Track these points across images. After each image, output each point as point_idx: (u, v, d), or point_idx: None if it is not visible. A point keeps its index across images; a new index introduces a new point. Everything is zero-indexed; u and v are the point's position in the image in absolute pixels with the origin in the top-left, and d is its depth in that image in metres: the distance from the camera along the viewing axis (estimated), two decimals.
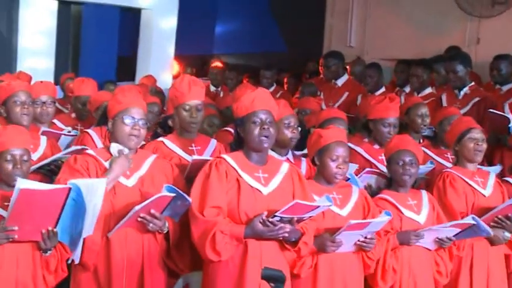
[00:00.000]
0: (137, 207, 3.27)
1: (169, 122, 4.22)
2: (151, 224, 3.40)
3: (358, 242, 3.73)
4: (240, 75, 9.11)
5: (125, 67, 9.67)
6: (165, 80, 9.19)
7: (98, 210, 3.27)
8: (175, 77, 9.12)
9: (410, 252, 4.07)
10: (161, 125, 4.73)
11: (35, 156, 4.11)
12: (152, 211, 3.36)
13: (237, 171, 3.50)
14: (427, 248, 4.11)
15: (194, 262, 3.72)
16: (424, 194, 4.24)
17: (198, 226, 3.41)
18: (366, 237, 3.71)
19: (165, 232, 3.55)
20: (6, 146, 3.37)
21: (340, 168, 3.80)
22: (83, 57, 9.40)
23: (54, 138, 4.66)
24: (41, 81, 5.19)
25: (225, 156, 3.56)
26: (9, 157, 3.35)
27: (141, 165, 3.60)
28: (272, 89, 8.53)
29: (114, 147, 3.53)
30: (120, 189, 3.51)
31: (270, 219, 3.33)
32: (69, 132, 5.10)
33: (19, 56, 8.51)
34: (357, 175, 4.43)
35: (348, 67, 8.50)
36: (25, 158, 3.39)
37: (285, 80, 9.57)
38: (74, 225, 3.16)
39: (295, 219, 3.35)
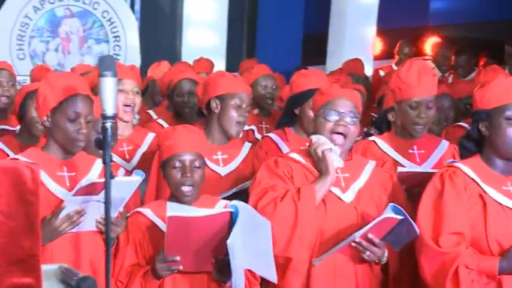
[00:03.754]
0: (357, 234, 3.13)
1: (390, 116, 3.90)
2: (368, 252, 3.19)
3: None
4: (473, 56, 8.16)
5: (312, 47, 9.48)
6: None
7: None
8: (376, 58, 9.13)
9: None
10: (377, 122, 4.37)
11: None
12: (370, 236, 3.16)
13: (479, 185, 3.19)
14: None
15: None
16: None
17: (431, 259, 3.17)
18: None
19: (383, 263, 3.33)
20: (174, 150, 3.26)
21: None
22: (260, 33, 9.45)
23: None
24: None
25: (459, 164, 3.25)
26: (177, 164, 3.23)
27: (359, 175, 3.40)
28: None
29: (318, 140, 3.33)
30: (333, 205, 3.30)
31: None
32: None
33: (184, 29, 8.58)
34: None
35: None
36: (196, 164, 3.25)
37: None
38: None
39: None
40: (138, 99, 4.19)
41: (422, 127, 3.79)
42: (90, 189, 2.86)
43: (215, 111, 3.90)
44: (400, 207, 3.17)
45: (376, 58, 9.31)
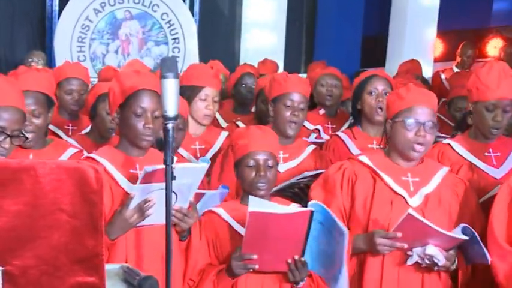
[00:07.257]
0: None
1: (469, 120, 3.81)
2: (441, 263, 3.12)
3: None
4: None
5: (371, 49, 9.24)
6: (423, 67, 8.58)
7: None
8: (436, 60, 9.01)
9: None
10: (459, 125, 4.23)
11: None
12: (433, 251, 3.10)
13: None
14: None
15: None
16: None
17: (504, 260, 3.09)
18: None
19: (452, 270, 3.26)
20: (248, 149, 3.29)
21: None
22: (319, 35, 9.21)
23: None
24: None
25: None
26: (251, 162, 3.26)
27: (429, 180, 3.33)
28: None
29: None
30: (399, 207, 3.24)
31: None
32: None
33: (243, 31, 8.59)
34: None
35: None
36: (270, 163, 3.28)
37: None
38: (326, 252, 3.11)
39: None
40: (216, 108, 4.20)
41: (498, 130, 3.68)
42: (157, 177, 2.82)
43: (271, 114, 3.97)
44: (471, 229, 3.10)
45: (436, 60, 9.09)
